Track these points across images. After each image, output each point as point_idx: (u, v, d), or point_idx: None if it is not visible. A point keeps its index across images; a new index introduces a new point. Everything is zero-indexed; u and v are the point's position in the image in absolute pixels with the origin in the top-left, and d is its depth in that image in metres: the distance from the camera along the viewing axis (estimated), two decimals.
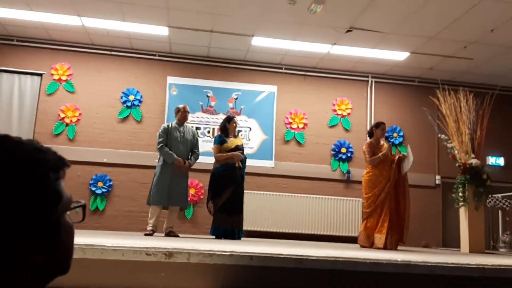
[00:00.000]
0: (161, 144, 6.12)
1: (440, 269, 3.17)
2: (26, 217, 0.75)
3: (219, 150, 6.18)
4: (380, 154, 5.95)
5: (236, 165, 6.11)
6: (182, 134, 6.26)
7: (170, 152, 6.09)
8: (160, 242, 3.83)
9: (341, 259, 3.17)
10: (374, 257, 3.27)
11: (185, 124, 6.39)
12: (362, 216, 6.25)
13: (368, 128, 6.44)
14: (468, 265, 3.25)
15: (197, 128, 8.37)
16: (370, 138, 6.27)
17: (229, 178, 6.06)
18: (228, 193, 5.99)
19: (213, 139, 8.32)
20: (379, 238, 5.74)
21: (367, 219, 5.91)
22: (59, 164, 0.82)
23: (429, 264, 3.14)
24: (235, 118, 6.43)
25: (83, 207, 0.88)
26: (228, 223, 5.95)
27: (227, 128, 6.29)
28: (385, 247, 5.61)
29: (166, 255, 3.14)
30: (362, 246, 5.82)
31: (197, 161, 8.03)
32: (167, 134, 6.17)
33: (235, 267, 3.17)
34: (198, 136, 8.30)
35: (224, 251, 3.18)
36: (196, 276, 3.17)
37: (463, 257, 4.54)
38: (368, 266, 3.18)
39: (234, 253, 3.15)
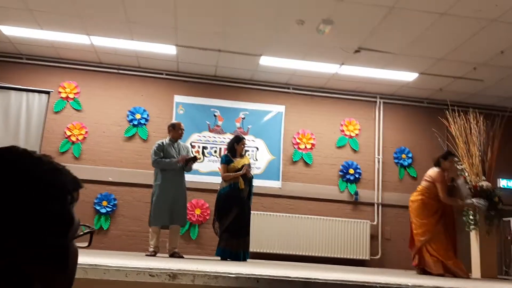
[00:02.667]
0: (158, 158, 6.05)
1: None
2: (37, 240, 0.71)
3: (226, 170, 6.11)
4: (460, 202, 6.07)
5: (240, 186, 6.00)
6: (177, 151, 6.20)
7: (168, 159, 6.03)
8: (164, 263, 3.74)
9: (350, 283, 3.07)
10: (384, 281, 3.16)
11: (178, 141, 6.34)
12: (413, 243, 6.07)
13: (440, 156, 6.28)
14: None
15: (204, 148, 8.33)
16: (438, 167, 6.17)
17: (236, 199, 5.98)
18: (234, 214, 5.90)
19: (219, 159, 8.28)
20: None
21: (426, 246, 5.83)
22: (76, 186, 0.80)
23: None
24: (244, 140, 6.37)
25: (92, 233, 0.84)
26: (234, 244, 5.85)
27: (235, 148, 6.22)
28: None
29: (170, 277, 3.04)
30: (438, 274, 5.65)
31: (204, 180, 8.01)
32: (162, 151, 6.12)
33: None
34: (205, 156, 8.29)
35: (230, 273, 3.08)
36: None
37: (475, 282, 4.40)
38: None
39: (240, 275, 3.06)
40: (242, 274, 3.11)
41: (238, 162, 6.13)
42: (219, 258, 5.88)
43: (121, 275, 2.92)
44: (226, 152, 6.35)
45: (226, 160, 6.15)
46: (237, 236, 5.87)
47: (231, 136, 8.41)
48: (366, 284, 3.12)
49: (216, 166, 8.25)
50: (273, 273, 3.23)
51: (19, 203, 0.70)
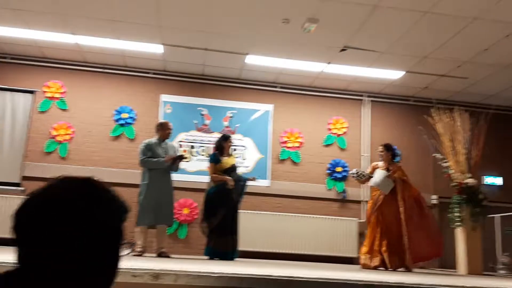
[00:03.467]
0: (145, 157, 6.03)
1: None
2: (104, 248, 0.92)
3: (214, 169, 6.09)
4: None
5: (230, 187, 6.01)
6: (164, 151, 6.17)
7: (156, 159, 6.01)
8: (148, 263, 3.73)
9: (332, 281, 3.08)
10: (367, 279, 3.17)
11: (166, 140, 6.31)
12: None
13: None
14: (464, 287, 3.16)
15: (192, 147, 8.31)
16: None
17: (224, 199, 5.96)
18: (222, 213, 5.89)
19: (207, 158, 8.27)
20: (377, 259, 5.80)
21: (365, 240, 6.08)
22: (127, 209, 0.99)
23: (423, 286, 3.04)
24: (231, 138, 6.37)
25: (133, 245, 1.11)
26: (222, 244, 5.83)
27: (223, 146, 6.20)
28: (385, 267, 5.71)
29: (153, 277, 3.03)
30: (364, 267, 5.85)
31: (192, 180, 7.99)
32: (150, 150, 6.09)
33: None
34: (193, 155, 8.27)
35: (212, 273, 3.08)
36: None
37: (458, 279, 4.44)
38: (360, 287, 3.08)
39: (223, 275, 3.05)
40: (225, 273, 3.11)
41: (226, 162, 6.11)
42: (208, 258, 5.87)
43: None
44: (214, 151, 6.31)
45: (215, 159, 6.12)
46: (225, 235, 5.87)
47: (219, 135, 8.44)
48: (348, 282, 3.13)
49: (204, 165, 8.24)
50: (256, 272, 3.23)
51: (99, 221, 0.91)
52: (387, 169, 6.13)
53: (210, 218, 5.91)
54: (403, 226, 5.82)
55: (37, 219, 0.88)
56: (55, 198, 0.90)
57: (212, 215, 5.91)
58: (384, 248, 5.80)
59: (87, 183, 0.94)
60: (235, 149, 8.17)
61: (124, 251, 0.88)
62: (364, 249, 6.03)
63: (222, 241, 5.84)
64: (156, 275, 3.01)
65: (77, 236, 0.87)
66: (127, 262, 3.57)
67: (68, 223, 0.87)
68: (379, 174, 6.09)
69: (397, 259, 5.77)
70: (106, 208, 0.93)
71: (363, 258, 5.95)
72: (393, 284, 3.12)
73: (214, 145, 6.38)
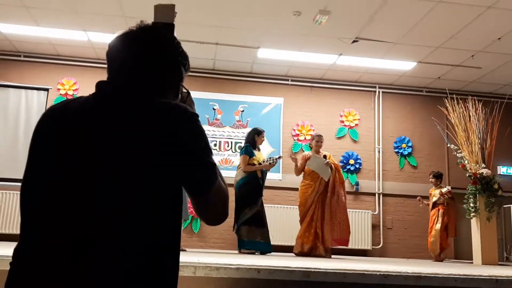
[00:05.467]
0: None
1: (452, 281, 3.08)
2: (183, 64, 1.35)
3: (248, 161, 6.09)
4: (256, 166, 6.13)
5: (259, 176, 6.09)
6: None
7: None
8: None
9: (350, 272, 3.09)
10: (384, 269, 3.18)
11: None
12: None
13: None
14: (480, 276, 3.15)
15: None
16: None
17: (257, 188, 6.05)
18: (258, 205, 5.96)
19: (219, 152, 8.29)
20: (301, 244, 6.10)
21: (301, 228, 6.25)
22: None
23: (440, 276, 3.05)
24: (264, 132, 6.42)
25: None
26: (257, 235, 5.91)
27: (255, 140, 6.24)
28: (309, 254, 6.02)
29: None
30: (297, 254, 6.10)
31: None
32: None
33: (242, 280, 3.09)
34: None
35: (231, 264, 3.11)
36: None
37: (475, 268, 4.43)
38: (377, 278, 3.09)
39: (241, 266, 3.08)
40: (243, 265, 3.13)
41: (258, 156, 6.19)
42: (239, 250, 5.91)
43: None
44: (246, 144, 6.30)
45: (249, 152, 6.13)
46: (262, 225, 5.96)
47: (231, 130, 8.46)
48: (366, 272, 3.14)
49: (216, 159, 8.28)
50: (273, 264, 3.26)
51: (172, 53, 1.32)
52: (324, 156, 6.35)
53: (245, 208, 5.93)
54: (327, 209, 6.15)
55: (123, 47, 1.26)
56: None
57: (247, 206, 5.93)
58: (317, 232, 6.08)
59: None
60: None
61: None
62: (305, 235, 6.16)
63: (257, 232, 5.91)
64: None
65: (160, 59, 1.27)
66: None
67: (153, 50, 1.27)
68: (319, 160, 6.25)
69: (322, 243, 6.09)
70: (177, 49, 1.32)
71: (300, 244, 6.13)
72: (410, 275, 3.12)
73: (245, 139, 6.42)
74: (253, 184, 6.03)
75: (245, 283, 3.08)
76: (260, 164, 6.12)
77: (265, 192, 8.08)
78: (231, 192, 6.13)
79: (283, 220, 7.98)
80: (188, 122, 1.17)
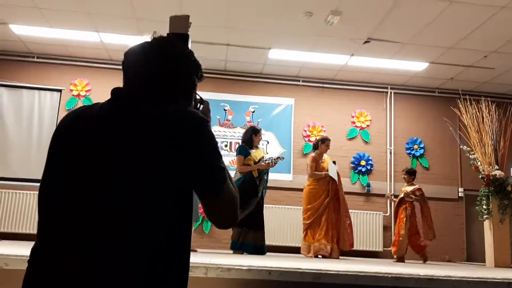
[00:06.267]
0: None
1: (464, 284, 3.05)
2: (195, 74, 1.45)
3: (243, 161, 6.02)
4: (323, 172, 6.39)
5: (255, 175, 5.98)
6: None
7: None
8: None
9: (361, 274, 3.08)
10: (396, 272, 3.16)
11: None
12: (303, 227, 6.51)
13: (314, 141, 7.08)
14: (494, 279, 3.12)
15: None
16: (315, 151, 6.67)
17: (252, 190, 5.90)
18: (253, 206, 5.84)
19: (229, 153, 8.30)
20: (324, 246, 6.12)
21: (307, 230, 6.29)
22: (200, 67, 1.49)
23: (453, 279, 3.02)
24: (261, 131, 6.37)
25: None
26: (250, 237, 5.83)
27: (253, 140, 6.17)
28: (330, 255, 6.04)
29: None
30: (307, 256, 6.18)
31: None
32: None
33: (254, 281, 3.09)
34: None
35: (242, 266, 3.11)
36: None
37: (488, 271, 4.39)
38: (389, 280, 3.08)
39: (252, 268, 3.08)
40: (254, 266, 3.13)
41: (255, 155, 6.08)
42: (233, 251, 5.89)
43: None
44: (241, 143, 6.22)
45: (244, 152, 6.04)
46: (255, 228, 5.85)
47: (242, 130, 8.46)
48: (378, 274, 3.13)
49: (227, 160, 8.29)
50: (284, 265, 3.25)
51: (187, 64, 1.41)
52: (334, 162, 6.54)
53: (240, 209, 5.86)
54: (341, 214, 6.30)
55: (139, 57, 1.36)
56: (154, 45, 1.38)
57: (241, 207, 5.85)
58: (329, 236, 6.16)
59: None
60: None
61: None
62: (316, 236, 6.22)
63: (250, 234, 5.83)
64: None
65: (169, 68, 1.35)
66: None
67: (165, 60, 1.36)
68: (334, 168, 6.43)
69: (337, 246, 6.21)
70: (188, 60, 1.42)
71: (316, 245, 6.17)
72: (422, 277, 3.10)
73: (242, 138, 6.31)
74: (247, 185, 5.88)
75: (256, 284, 3.08)
76: (256, 163, 6.02)
77: (275, 193, 8.12)
78: None
79: (293, 221, 7.96)
80: (198, 127, 1.23)
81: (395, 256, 6.80)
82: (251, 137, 6.18)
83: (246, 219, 5.79)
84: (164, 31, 7.23)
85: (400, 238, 6.73)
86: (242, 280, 3.08)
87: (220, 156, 1.26)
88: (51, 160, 1.25)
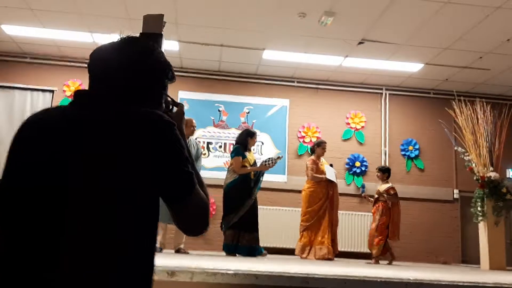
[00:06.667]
0: None
1: None
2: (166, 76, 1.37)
3: (241, 163, 5.96)
4: (323, 176, 6.43)
5: (252, 177, 5.96)
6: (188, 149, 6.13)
7: None
8: (164, 260, 3.73)
9: (350, 278, 3.03)
10: (385, 275, 3.12)
11: (190, 137, 6.27)
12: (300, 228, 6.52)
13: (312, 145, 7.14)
14: (485, 285, 3.08)
15: (209, 143, 8.31)
16: (312, 154, 6.77)
17: (246, 191, 5.87)
18: (247, 207, 5.81)
19: (224, 154, 8.26)
20: (326, 249, 6.14)
21: (305, 232, 6.32)
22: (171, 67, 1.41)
23: (443, 283, 2.98)
24: (256, 134, 6.33)
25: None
26: (244, 240, 5.78)
27: (248, 142, 6.13)
28: (328, 258, 6.06)
29: (169, 274, 3.03)
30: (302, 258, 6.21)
31: (209, 176, 8.00)
32: None
33: (241, 286, 3.05)
34: (210, 151, 8.28)
35: (228, 270, 3.07)
36: None
37: (480, 275, 4.34)
38: (378, 285, 3.03)
39: (239, 272, 3.04)
40: (241, 270, 3.09)
41: (250, 158, 6.06)
42: (226, 254, 5.84)
43: None
44: (236, 145, 6.17)
45: (242, 153, 5.99)
46: (249, 230, 5.81)
47: (236, 131, 8.41)
48: (366, 279, 3.08)
49: (221, 161, 8.25)
50: (272, 269, 3.21)
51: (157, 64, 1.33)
52: (331, 165, 6.65)
53: (232, 212, 5.83)
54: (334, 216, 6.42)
55: (105, 57, 1.29)
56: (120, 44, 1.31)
57: (235, 209, 5.81)
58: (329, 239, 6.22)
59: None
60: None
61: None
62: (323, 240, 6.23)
63: (245, 236, 5.79)
64: (172, 272, 3.01)
65: (136, 69, 1.28)
66: None
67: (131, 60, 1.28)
68: (331, 170, 6.51)
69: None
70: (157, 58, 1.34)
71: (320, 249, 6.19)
72: (412, 282, 3.06)
73: (237, 140, 6.25)
74: (242, 187, 5.86)
75: None
76: (251, 166, 6.00)
77: (269, 194, 8.07)
78: (220, 194, 6.11)
79: (287, 222, 7.91)
80: (163, 129, 1.17)
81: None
82: (246, 139, 6.13)
83: (240, 222, 5.76)
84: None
85: (370, 237, 6.67)
86: (228, 285, 3.03)
87: (187, 160, 1.20)
88: (9, 164, 1.19)
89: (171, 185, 1.17)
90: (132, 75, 1.27)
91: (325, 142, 6.77)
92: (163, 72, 1.35)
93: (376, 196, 6.72)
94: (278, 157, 6.26)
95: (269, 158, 6.17)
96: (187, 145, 1.30)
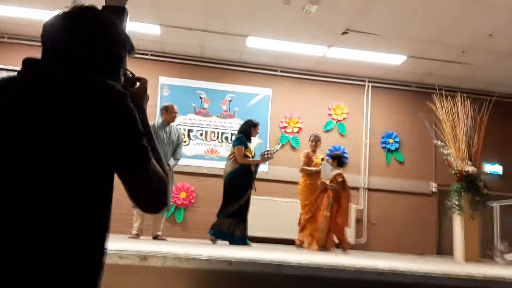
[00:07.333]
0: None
1: (429, 278, 3.02)
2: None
3: (244, 152, 5.94)
4: (313, 168, 6.57)
5: (253, 169, 6.00)
6: (168, 135, 6.08)
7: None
8: (137, 245, 3.67)
9: (323, 266, 3.02)
10: (358, 264, 3.11)
11: (170, 124, 6.20)
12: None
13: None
14: (458, 276, 3.10)
15: (190, 131, 8.22)
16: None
17: (249, 181, 5.95)
18: (246, 197, 5.88)
19: (205, 142, 8.18)
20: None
21: (307, 224, 6.41)
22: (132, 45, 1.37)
23: (417, 274, 2.98)
24: (259, 125, 6.32)
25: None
26: (240, 229, 5.82)
27: (251, 132, 6.11)
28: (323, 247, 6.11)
29: (141, 258, 2.98)
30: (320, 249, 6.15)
31: (189, 164, 7.93)
32: (153, 134, 5.98)
33: (214, 272, 3.01)
34: (190, 138, 8.20)
35: (201, 255, 3.03)
36: (172, 281, 3.01)
37: (454, 266, 4.38)
38: (353, 273, 3.02)
39: (212, 258, 3.00)
40: (214, 256, 3.05)
41: (251, 149, 6.07)
42: (215, 239, 5.85)
43: None
44: (239, 134, 6.12)
45: (244, 142, 5.97)
46: (244, 220, 5.87)
47: (218, 119, 8.35)
48: (340, 267, 3.07)
49: (202, 149, 8.18)
50: (246, 256, 3.18)
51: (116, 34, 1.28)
52: (322, 159, 6.69)
53: (233, 200, 5.84)
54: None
55: (60, 27, 1.22)
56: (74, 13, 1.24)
57: (236, 198, 5.84)
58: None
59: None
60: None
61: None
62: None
63: (239, 226, 5.82)
64: (144, 257, 2.95)
65: (91, 38, 1.22)
66: (115, 244, 3.52)
67: (86, 31, 1.22)
68: (325, 168, 6.49)
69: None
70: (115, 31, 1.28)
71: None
72: (386, 271, 3.06)
73: (240, 129, 6.24)
74: (243, 178, 5.90)
75: (217, 275, 3.00)
76: (253, 157, 6.05)
77: None
78: (220, 184, 6.05)
79: (267, 212, 7.91)
80: (114, 100, 1.12)
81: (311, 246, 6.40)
82: (250, 129, 6.11)
83: (238, 211, 5.81)
84: (137, 13, 7.04)
85: (321, 225, 6.34)
86: (201, 270, 2.99)
87: (141, 134, 1.14)
88: None
89: (123, 158, 1.12)
90: (86, 46, 1.21)
91: (314, 136, 6.80)
92: (120, 43, 1.28)
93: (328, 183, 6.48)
94: (276, 150, 6.29)
95: (268, 151, 6.21)
96: (145, 119, 1.27)
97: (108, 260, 3.32)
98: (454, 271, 3.20)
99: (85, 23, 1.23)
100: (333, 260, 3.31)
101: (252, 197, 7.86)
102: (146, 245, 3.82)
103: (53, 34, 1.23)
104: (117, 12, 1.92)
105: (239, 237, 5.76)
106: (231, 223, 5.79)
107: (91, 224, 1.10)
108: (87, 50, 1.21)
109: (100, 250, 1.14)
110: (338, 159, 6.61)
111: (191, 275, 2.99)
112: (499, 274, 3.20)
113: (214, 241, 5.79)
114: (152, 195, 1.18)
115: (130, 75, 1.37)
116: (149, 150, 1.16)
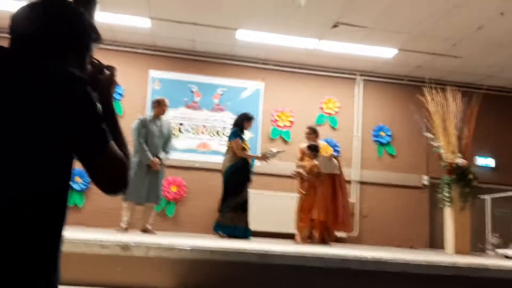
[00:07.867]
0: (141, 142, 5.89)
1: (412, 267, 3.01)
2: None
3: (241, 145, 5.99)
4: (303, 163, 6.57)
5: (250, 162, 6.06)
6: (159, 129, 6.05)
7: (148, 153, 5.87)
8: (120, 236, 3.65)
9: (307, 256, 3.01)
10: (343, 254, 3.11)
11: (161, 117, 6.17)
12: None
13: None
14: (441, 264, 3.10)
15: (180, 124, 8.19)
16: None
17: (247, 175, 6.02)
18: (246, 190, 5.96)
19: (196, 136, 8.15)
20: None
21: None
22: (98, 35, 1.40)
23: (400, 262, 2.98)
24: (253, 118, 6.35)
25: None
26: (241, 220, 5.89)
27: (244, 125, 6.14)
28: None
29: (122, 248, 2.96)
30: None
31: (180, 158, 7.90)
32: (144, 127, 5.97)
33: (197, 261, 3.00)
34: (181, 132, 8.17)
35: (184, 246, 3.01)
36: (156, 271, 2.99)
37: (444, 257, 4.39)
38: (338, 262, 3.02)
39: (195, 248, 2.99)
40: (197, 246, 3.04)
41: (246, 143, 6.11)
42: (221, 234, 5.88)
43: (70, 247, 2.83)
44: (235, 127, 6.17)
45: (240, 136, 6.03)
46: (245, 211, 5.94)
47: (209, 113, 8.32)
48: (325, 257, 3.07)
49: (194, 143, 8.16)
50: (229, 246, 3.17)
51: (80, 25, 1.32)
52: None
53: (233, 194, 5.89)
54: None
55: (27, 17, 1.25)
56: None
57: (235, 191, 5.89)
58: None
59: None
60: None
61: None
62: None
63: (241, 218, 5.89)
64: (126, 246, 2.94)
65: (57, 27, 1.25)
66: (97, 235, 3.50)
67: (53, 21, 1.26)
68: (325, 162, 6.56)
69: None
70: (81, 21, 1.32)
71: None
72: (370, 260, 3.05)
73: (234, 122, 6.28)
74: (243, 171, 5.97)
75: (200, 265, 2.99)
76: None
77: None
78: (211, 178, 6.06)
79: (259, 205, 7.86)
80: (71, 85, 1.14)
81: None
82: (243, 122, 6.16)
83: (240, 203, 5.88)
84: (128, 6, 6.97)
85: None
86: (185, 260, 2.98)
87: (99, 117, 1.17)
88: None
89: (81, 141, 1.14)
90: (50, 33, 1.25)
91: (309, 128, 6.87)
92: (84, 32, 1.33)
93: (305, 174, 6.42)
94: (279, 151, 6.38)
95: (270, 150, 6.28)
96: (111, 105, 1.31)
97: (89, 250, 3.29)
98: (446, 260, 3.20)
99: (50, 11, 1.27)
100: (318, 251, 3.31)
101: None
102: (130, 237, 3.80)
103: (20, 23, 1.27)
104: (87, 3, 1.92)
105: (242, 228, 5.86)
106: (233, 216, 5.87)
107: (47, 214, 1.11)
108: (52, 37, 1.24)
109: (56, 243, 1.17)
110: (316, 150, 6.57)
111: (174, 265, 2.98)
112: (483, 263, 3.20)
113: (221, 236, 5.83)
114: (111, 176, 1.21)
115: (98, 63, 1.41)
116: (107, 132, 1.18)
